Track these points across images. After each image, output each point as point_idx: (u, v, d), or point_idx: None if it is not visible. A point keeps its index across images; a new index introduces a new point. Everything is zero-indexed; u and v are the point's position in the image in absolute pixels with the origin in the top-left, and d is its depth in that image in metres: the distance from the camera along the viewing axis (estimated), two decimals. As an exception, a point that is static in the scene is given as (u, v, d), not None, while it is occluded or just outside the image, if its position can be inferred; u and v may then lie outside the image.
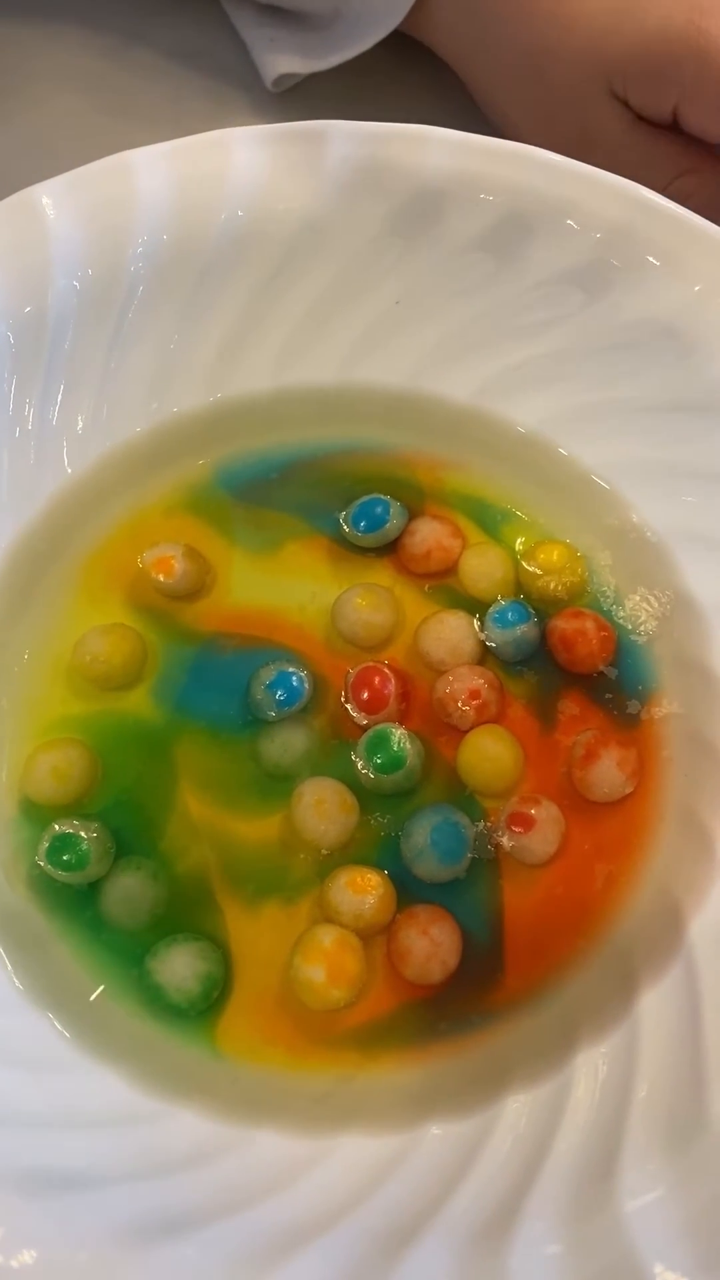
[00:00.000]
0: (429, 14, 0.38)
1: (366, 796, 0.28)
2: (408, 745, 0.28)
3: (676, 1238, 0.21)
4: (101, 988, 0.26)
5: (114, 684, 0.29)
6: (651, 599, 0.30)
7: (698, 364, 0.29)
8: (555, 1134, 0.23)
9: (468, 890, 0.27)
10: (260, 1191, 0.23)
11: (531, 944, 0.27)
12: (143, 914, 0.27)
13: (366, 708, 0.29)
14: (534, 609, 0.30)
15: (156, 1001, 0.26)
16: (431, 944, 0.26)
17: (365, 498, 0.32)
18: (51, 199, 0.29)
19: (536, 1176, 0.23)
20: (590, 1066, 0.24)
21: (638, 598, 0.31)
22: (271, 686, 0.29)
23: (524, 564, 0.31)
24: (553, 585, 0.31)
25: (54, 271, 0.29)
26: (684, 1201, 0.22)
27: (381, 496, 0.32)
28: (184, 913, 0.27)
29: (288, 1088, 0.25)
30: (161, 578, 0.30)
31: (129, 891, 0.27)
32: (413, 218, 0.30)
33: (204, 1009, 0.26)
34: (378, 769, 0.28)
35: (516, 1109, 0.24)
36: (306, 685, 0.29)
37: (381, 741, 0.28)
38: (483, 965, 0.27)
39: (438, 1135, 0.24)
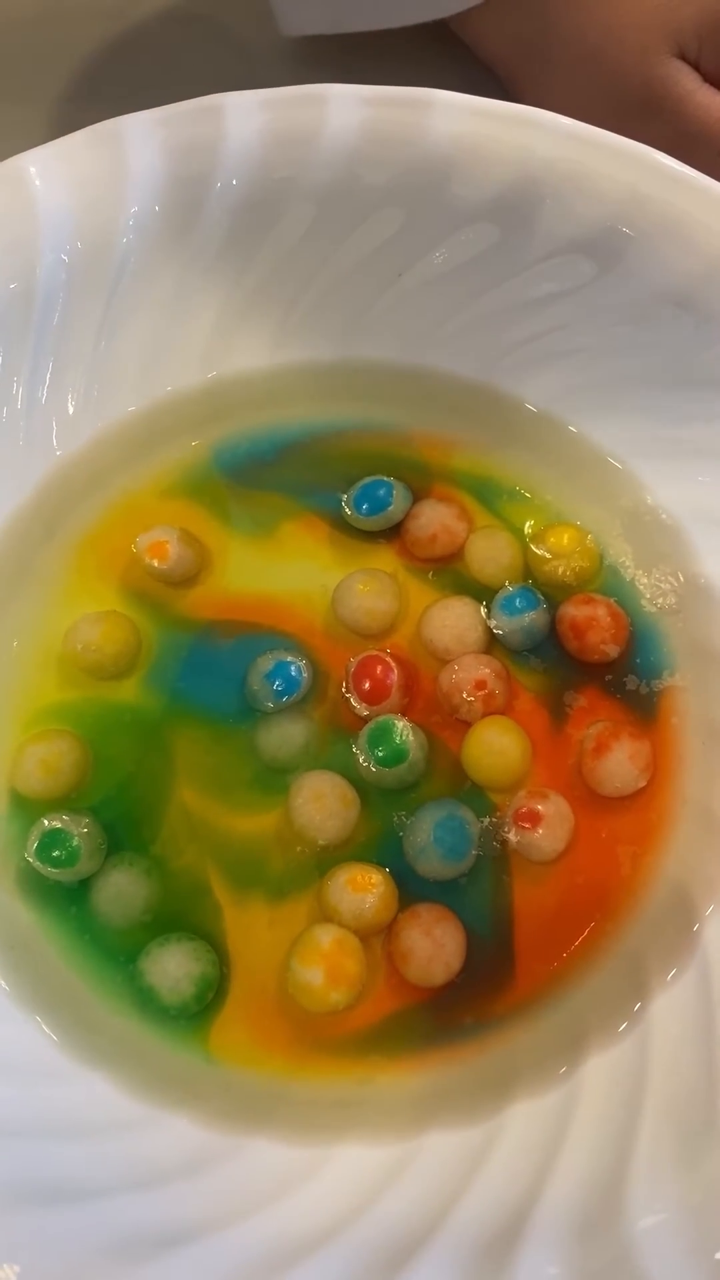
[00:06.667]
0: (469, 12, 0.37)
1: (367, 791, 0.27)
2: (410, 737, 0.27)
3: (688, 1260, 0.20)
4: (91, 989, 0.25)
5: (106, 673, 0.29)
6: (667, 584, 0.29)
7: (715, 336, 0.28)
8: (562, 1145, 0.23)
9: (472, 889, 0.27)
10: (253, 1204, 0.22)
11: (539, 945, 0.26)
12: (135, 912, 0.26)
13: (368, 698, 0.28)
14: (543, 595, 0.29)
15: (148, 1004, 0.25)
16: (434, 945, 0.25)
17: (367, 479, 0.31)
18: (38, 168, 0.28)
19: (542, 1191, 0.22)
20: (599, 1074, 0.24)
21: (652, 582, 0.30)
22: (269, 676, 0.28)
23: (533, 548, 0.30)
24: (563, 570, 0.30)
25: (42, 245, 0.28)
26: (697, 1220, 0.21)
27: (384, 478, 0.31)
28: (178, 911, 0.26)
29: (283, 1094, 0.24)
30: (156, 563, 0.29)
31: (121, 889, 0.26)
32: (416, 186, 0.29)
33: (197, 1012, 0.25)
34: (379, 762, 0.27)
35: (522, 1118, 0.23)
36: (305, 675, 0.28)
37: (383, 733, 0.27)
38: (488, 967, 0.26)
39: (439, 1145, 0.23)
